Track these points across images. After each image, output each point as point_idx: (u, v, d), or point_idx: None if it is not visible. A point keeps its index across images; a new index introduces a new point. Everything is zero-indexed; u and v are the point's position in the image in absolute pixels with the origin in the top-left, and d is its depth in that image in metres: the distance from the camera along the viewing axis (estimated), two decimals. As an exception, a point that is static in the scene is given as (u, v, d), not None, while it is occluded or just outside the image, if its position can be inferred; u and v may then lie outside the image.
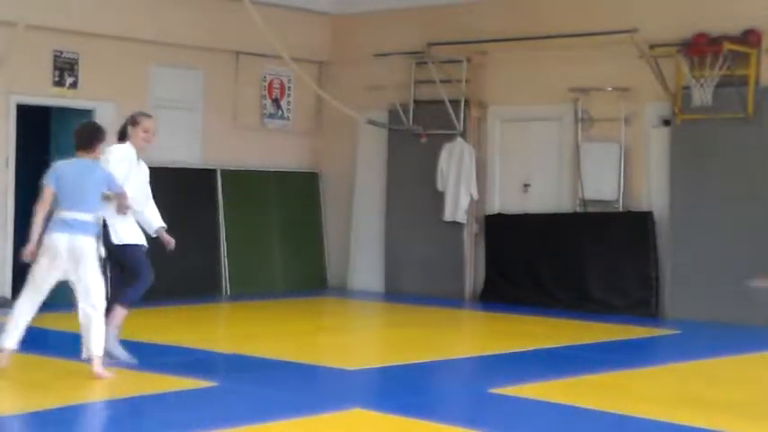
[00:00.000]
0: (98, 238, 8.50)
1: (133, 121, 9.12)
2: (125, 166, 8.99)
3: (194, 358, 9.42)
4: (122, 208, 8.86)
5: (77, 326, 10.22)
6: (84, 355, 8.40)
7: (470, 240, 14.54)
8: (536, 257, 13.92)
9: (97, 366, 8.30)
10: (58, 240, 8.30)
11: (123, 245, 9.01)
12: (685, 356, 10.37)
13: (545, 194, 14.09)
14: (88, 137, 8.56)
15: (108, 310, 8.76)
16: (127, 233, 9.06)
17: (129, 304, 9.16)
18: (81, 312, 8.39)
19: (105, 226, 8.87)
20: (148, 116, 9.34)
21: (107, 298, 8.73)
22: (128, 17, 13.57)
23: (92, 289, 8.36)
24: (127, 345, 10.03)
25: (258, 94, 15.35)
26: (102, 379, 8.24)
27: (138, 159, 9.18)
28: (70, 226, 8.34)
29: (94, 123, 8.99)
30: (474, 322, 13.62)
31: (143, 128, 9.08)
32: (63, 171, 8.47)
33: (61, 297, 11.80)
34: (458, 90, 14.40)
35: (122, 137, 9.15)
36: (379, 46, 15.03)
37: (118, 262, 9.19)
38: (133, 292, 9.15)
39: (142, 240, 9.23)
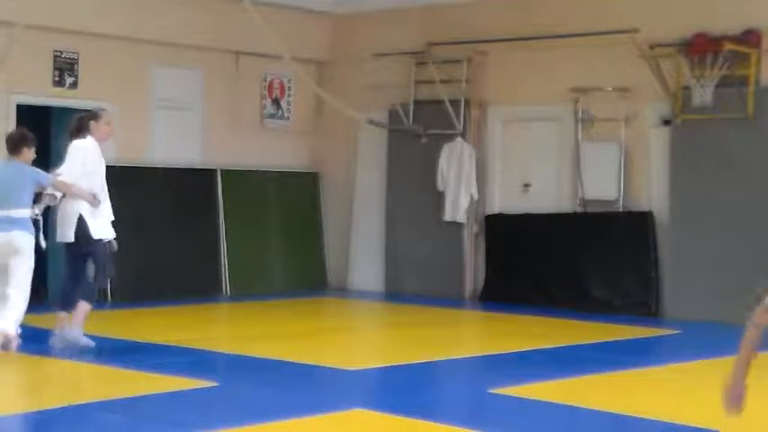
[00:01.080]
0: (35, 230, 9.22)
1: (95, 116, 9.64)
2: (92, 158, 9.53)
3: (194, 358, 9.41)
4: (94, 201, 9.42)
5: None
6: None
7: (470, 240, 14.54)
8: (536, 257, 13.92)
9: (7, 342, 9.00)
10: None
11: (97, 240, 9.48)
12: (685, 356, 10.37)
13: (545, 194, 14.09)
14: (17, 143, 9.34)
15: (67, 305, 9.52)
16: (100, 228, 9.52)
17: (93, 300, 9.66)
18: (7, 292, 9.09)
19: (82, 220, 9.39)
20: (105, 110, 10.02)
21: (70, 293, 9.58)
22: (128, 17, 13.57)
23: (21, 279, 9.08)
24: (128, 345, 10.05)
25: (258, 94, 15.35)
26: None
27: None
28: (5, 223, 9.05)
29: (22, 130, 9.67)
30: (474, 322, 13.61)
31: (105, 121, 9.66)
32: None
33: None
34: (458, 90, 14.40)
35: (79, 132, 9.60)
36: (379, 46, 15.03)
37: (83, 255, 9.59)
38: (96, 287, 9.76)
39: (112, 234, 9.67)
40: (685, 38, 12.68)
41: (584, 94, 13.64)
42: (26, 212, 9.15)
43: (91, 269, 9.81)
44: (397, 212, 15.04)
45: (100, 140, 9.61)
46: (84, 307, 9.50)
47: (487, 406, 7.80)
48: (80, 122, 9.63)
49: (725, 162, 12.58)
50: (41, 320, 11.43)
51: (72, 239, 9.44)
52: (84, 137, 9.57)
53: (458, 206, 14.38)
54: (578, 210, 13.79)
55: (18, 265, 9.07)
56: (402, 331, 11.95)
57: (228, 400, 7.60)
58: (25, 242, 9.09)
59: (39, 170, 9.39)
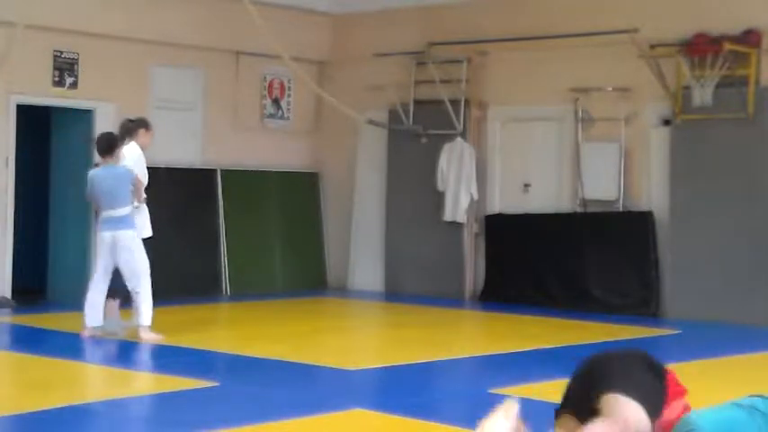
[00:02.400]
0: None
1: (146, 124, 10.62)
2: (143, 160, 10.46)
3: (194, 358, 9.42)
4: (140, 197, 10.30)
5: (77, 326, 10.27)
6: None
7: (470, 240, 14.54)
8: (536, 257, 13.92)
9: (144, 333, 10.00)
10: (103, 237, 10.03)
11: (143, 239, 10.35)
12: (685, 356, 10.36)
13: (545, 194, 14.09)
14: (109, 145, 10.14)
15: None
16: (146, 228, 10.45)
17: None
18: (131, 292, 10.08)
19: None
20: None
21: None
22: (128, 17, 13.56)
23: (139, 274, 10.00)
24: (128, 345, 10.04)
25: (258, 94, 15.35)
26: (149, 342, 9.93)
27: None
28: (110, 223, 9.98)
29: (110, 133, 10.49)
30: (474, 322, 13.61)
31: (152, 132, 10.70)
32: (94, 179, 10.12)
33: (63, 297, 11.84)
34: (458, 90, 14.40)
35: (128, 137, 10.46)
36: (379, 46, 15.03)
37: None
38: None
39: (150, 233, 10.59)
40: (685, 38, 12.68)
41: (584, 94, 13.64)
42: (127, 210, 10.05)
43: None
44: (397, 212, 15.04)
45: (143, 147, 10.50)
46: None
47: (487, 406, 7.78)
48: (130, 128, 10.48)
49: (725, 162, 12.58)
50: (41, 320, 11.46)
51: None
52: (128, 143, 10.41)
53: (458, 206, 14.38)
54: (578, 210, 13.79)
55: (129, 260, 9.99)
56: (402, 331, 11.94)
57: (228, 400, 7.60)
58: (130, 239, 10.02)
59: (129, 168, 10.18)
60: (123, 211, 10.04)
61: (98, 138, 10.43)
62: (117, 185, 10.04)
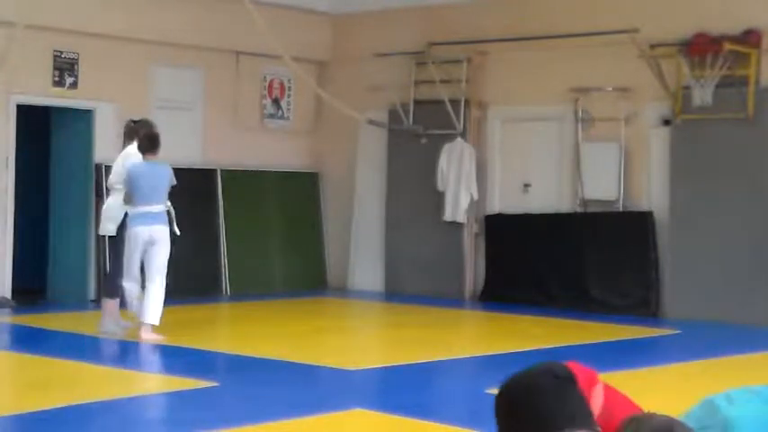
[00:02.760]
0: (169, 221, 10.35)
1: (150, 125, 10.62)
2: None
3: (194, 358, 9.42)
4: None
5: (77, 326, 10.28)
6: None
7: (470, 240, 14.54)
8: (536, 257, 13.92)
9: (145, 333, 9.99)
10: (138, 232, 10.07)
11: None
12: (685, 356, 10.37)
13: (545, 194, 14.09)
14: (155, 143, 10.29)
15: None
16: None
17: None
18: (147, 283, 10.19)
19: (126, 216, 10.30)
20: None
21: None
22: (128, 17, 13.56)
23: (160, 268, 10.18)
24: (128, 345, 10.05)
25: (258, 94, 15.35)
26: (149, 342, 9.91)
27: None
28: (146, 218, 10.06)
29: (153, 132, 10.50)
30: (474, 322, 13.61)
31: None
32: (133, 173, 10.15)
33: (63, 297, 11.82)
34: (458, 90, 14.40)
35: (131, 137, 10.60)
36: (379, 46, 15.03)
37: (118, 247, 10.42)
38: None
39: None
40: (685, 38, 12.68)
41: (584, 94, 13.64)
42: (163, 207, 10.24)
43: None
44: (397, 212, 15.04)
45: None
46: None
47: (487, 406, 7.78)
48: (131, 129, 10.64)
49: (725, 162, 12.58)
50: (41, 320, 11.46)
51: (114, 233, 10.41)
52: (132, 143, 10.55)
53: (458, 206, 14.38)
54: (578, 210, 13.79)
55: (156, 253, 10.16)
56: (402, 331, 11.94)
57: (229, 400, 7.60)
58: (163, 234, 10.19)
59: (169, 167, 10.41)
60: (159, 207, 10.21)
61: (141, 136, 10.44)
62: (157, 183, 10.21)
